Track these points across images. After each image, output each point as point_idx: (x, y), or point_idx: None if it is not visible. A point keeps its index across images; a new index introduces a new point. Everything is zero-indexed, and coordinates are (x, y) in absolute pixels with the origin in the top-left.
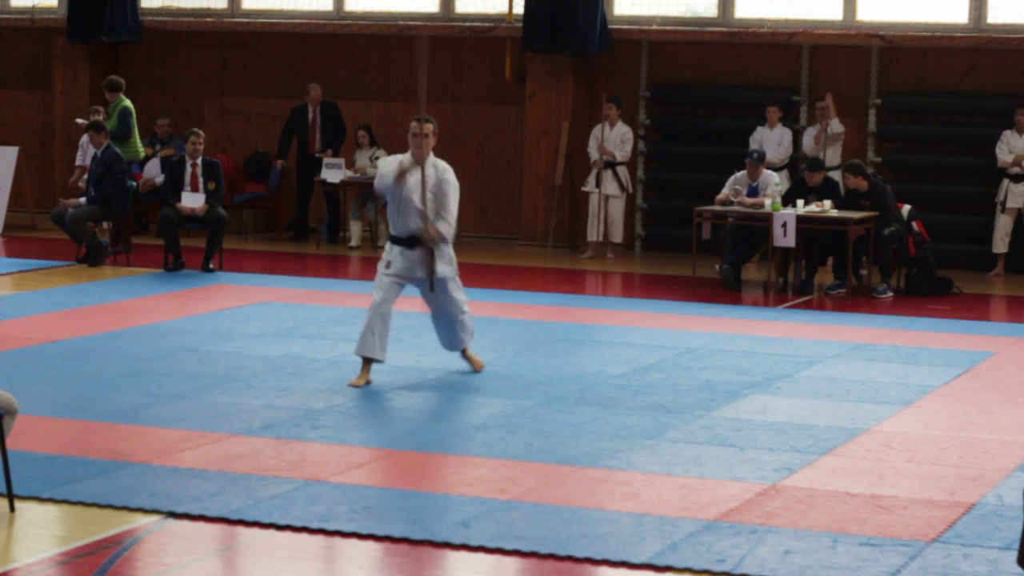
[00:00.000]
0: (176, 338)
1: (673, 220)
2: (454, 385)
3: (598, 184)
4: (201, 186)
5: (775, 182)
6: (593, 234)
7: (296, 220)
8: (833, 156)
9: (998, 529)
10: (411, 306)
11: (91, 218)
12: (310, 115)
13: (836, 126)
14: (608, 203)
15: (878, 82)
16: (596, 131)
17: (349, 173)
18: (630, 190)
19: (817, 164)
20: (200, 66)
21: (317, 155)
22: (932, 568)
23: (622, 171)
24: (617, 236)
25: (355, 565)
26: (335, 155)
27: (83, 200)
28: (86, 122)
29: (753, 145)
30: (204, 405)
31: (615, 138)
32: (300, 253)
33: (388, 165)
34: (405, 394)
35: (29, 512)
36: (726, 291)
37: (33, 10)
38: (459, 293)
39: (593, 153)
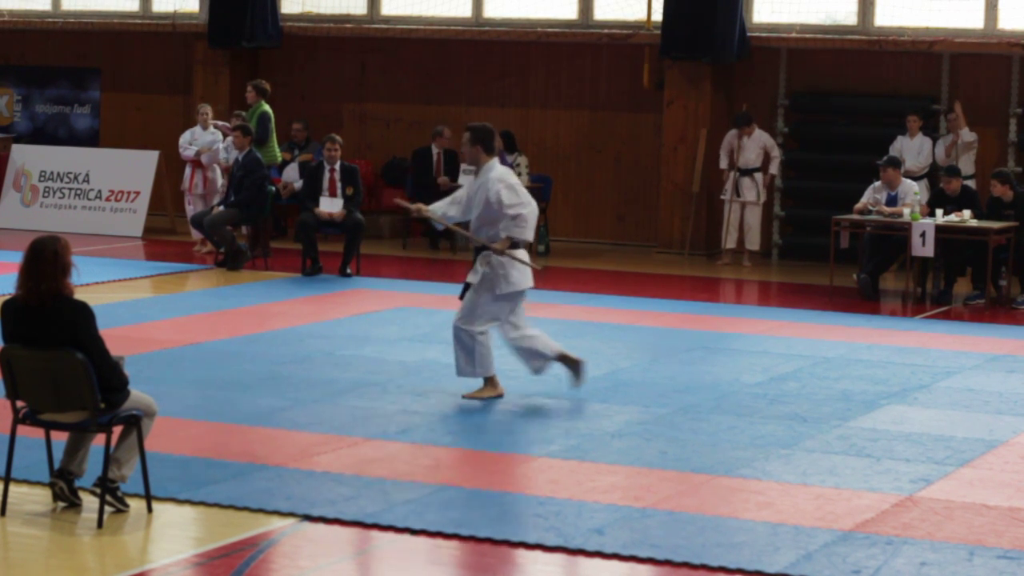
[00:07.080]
0: (313, 342)
1: (811, 229)
2: (589, 392)
3: (737, 191)
4: (339, 191)
5: (914, 191)
6: (727, 241)
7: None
8: (967, 165)
9: None
10: (549, 313)
11: (230, 222)
12: (434, 158)
13: (967, 135)
14: (745, 210)
15: (1019, 91)
16: (732, 139)
17: None
18: (765, 197)
19: (952, 171)
20: (339, 72)
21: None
22: None
23: (759, 178)
24: (754, 244)
25: (489, 570)
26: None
27: (222, 206)
28: (227, 124)
29: (892, 154)
30: (340, 409)
31: (755, 146)
32: (437, 259)
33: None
34: (540, 401)
35: (166, 513)
36: (863, 300)
37: (175, 16)
38: (472, 306)
39: (725, 160)
